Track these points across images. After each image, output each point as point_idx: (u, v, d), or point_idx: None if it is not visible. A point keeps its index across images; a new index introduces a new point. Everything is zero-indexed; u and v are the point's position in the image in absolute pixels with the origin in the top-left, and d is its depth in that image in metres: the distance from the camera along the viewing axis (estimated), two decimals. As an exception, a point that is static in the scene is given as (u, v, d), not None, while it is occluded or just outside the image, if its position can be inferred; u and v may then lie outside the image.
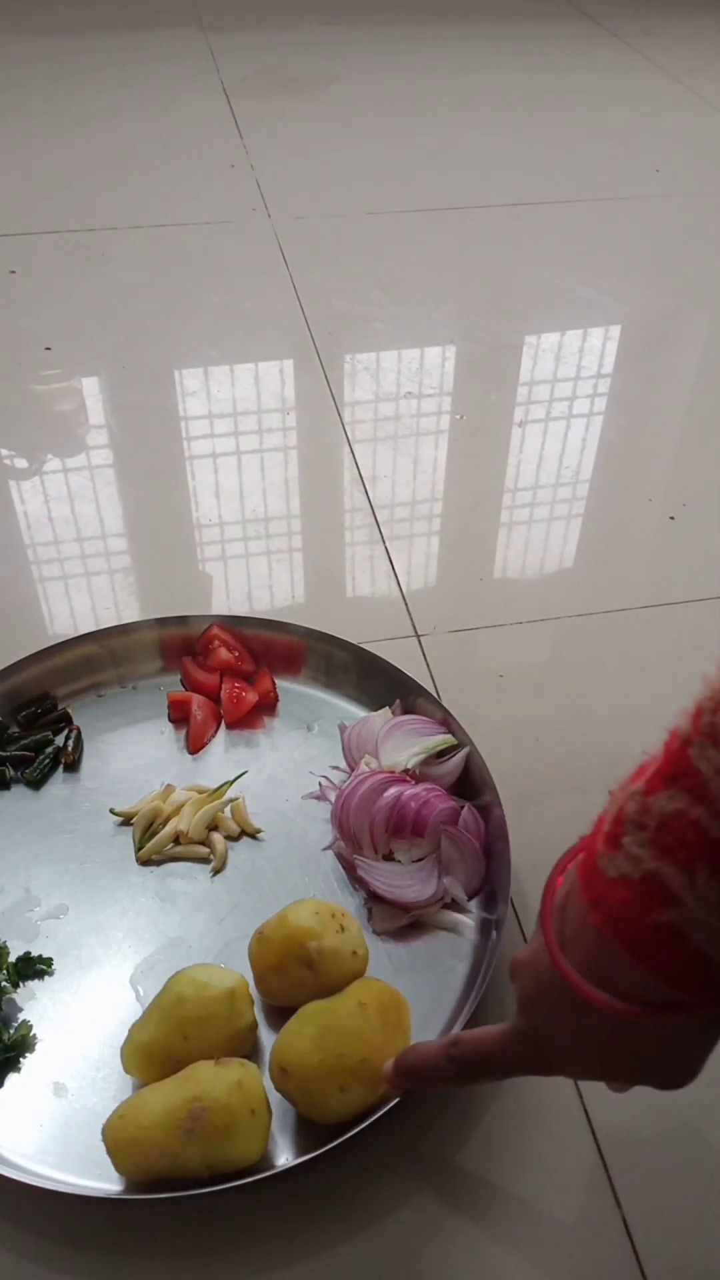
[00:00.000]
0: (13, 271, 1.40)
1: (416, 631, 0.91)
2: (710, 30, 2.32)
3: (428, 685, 0.84)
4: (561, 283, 1.42)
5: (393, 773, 0.73)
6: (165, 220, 1.53)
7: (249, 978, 0.62)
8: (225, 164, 1.68)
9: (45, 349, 1.25)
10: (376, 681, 0.81)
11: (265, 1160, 0.57)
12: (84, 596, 0.95)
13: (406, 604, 0.93)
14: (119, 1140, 0.55)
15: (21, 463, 1.11)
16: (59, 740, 0.79)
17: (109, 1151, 0.56)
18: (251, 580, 0.97)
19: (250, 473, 1.09)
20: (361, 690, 0.82)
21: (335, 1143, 0.55)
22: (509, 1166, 0.58)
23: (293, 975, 0.61)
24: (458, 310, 1.37)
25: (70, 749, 0.78)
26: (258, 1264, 0.55)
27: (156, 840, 0.72)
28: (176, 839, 0.72)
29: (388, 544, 1.00)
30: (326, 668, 0.83)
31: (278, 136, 1.78)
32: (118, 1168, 0.56)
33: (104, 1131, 0.56)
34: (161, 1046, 0.59)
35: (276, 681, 0.83)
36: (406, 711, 0.78)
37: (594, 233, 1.55)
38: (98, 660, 0.83)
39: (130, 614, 0.92)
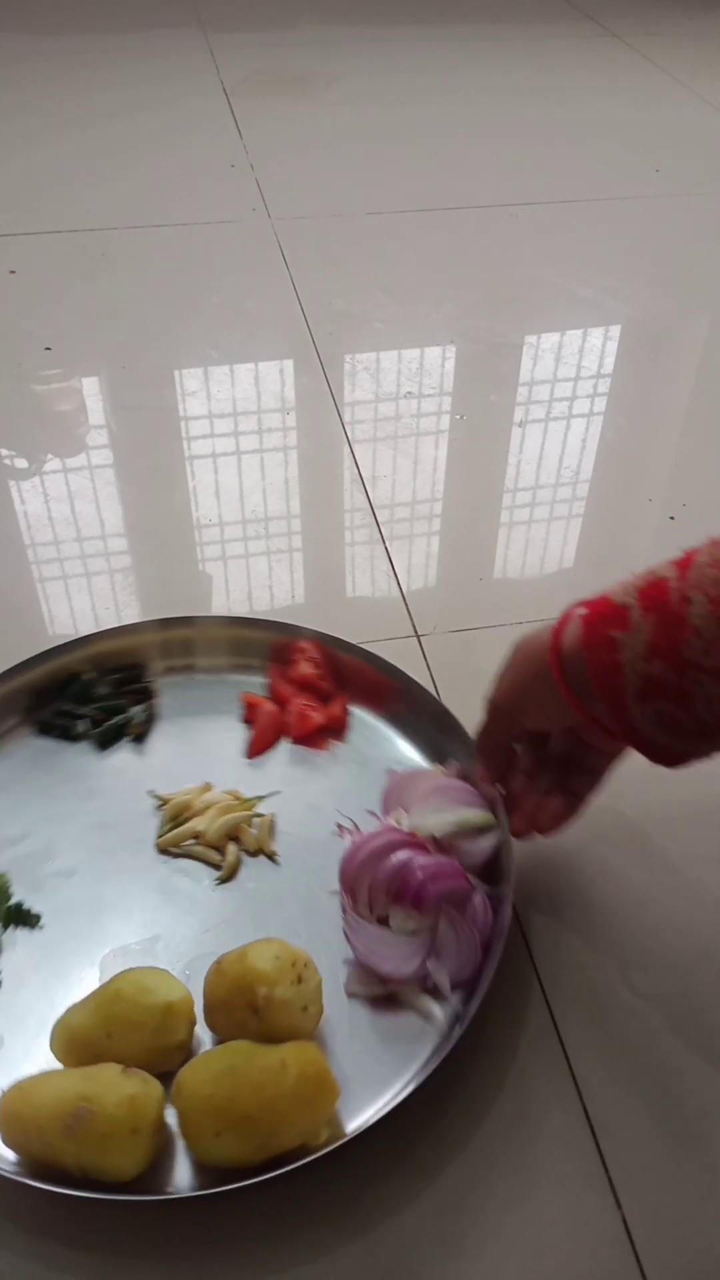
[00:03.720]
0: (13, 271, 1.40)
1: (416, 631, 0.91)
2: (711, 31, 2.32)
3: (428, 686, 0.84)
4: (561, 283, 1.42)
5: (413, 835, 0.68)
6: (165, 220, 1.53)
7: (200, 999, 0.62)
8: (225, 164, 1.68)
9: (45, 349, 1.25)
10: (449, 737, 0.76)
11: (158, 1178, 0.56)
12: (84, 596, 0.95)
13: (406, 604, 0.93)
14: (7, 1112, 0.56)
15: (21, 463, 1.11)
16: (134, 710, 0.80)
17: None
18: (251, 580, 0.97)
19: (250, 473, 1.09)
20: (430, 744, 0.78)
21: (331, 1147, 0.55)
22: (509, 1166, 0.58)
23: (237, 1015, 0.59)
24: (458, 310, 1.37)
25: (140, 722, 0.79)
26: (257, 1267, 0.55)
27: (175, 834, 0.72)
28: (196, 837, 0.72)
29: (388, 544, 1.00)
30: (406, 711, 0.79)
31: (278, 136, 1.78)
32: (3, 1138, 0.56)
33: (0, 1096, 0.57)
34: (85, 1035, 0.59)
35: (353, 710, 0.80)
36: (460, 777, 0.73)
37: (594, 233, 1.55)
38: (197, 645, 0.83)
39: (130, 614, 0.92)
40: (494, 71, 2.09)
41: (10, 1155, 0.56)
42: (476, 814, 0.69)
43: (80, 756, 0.78)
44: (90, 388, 1.22)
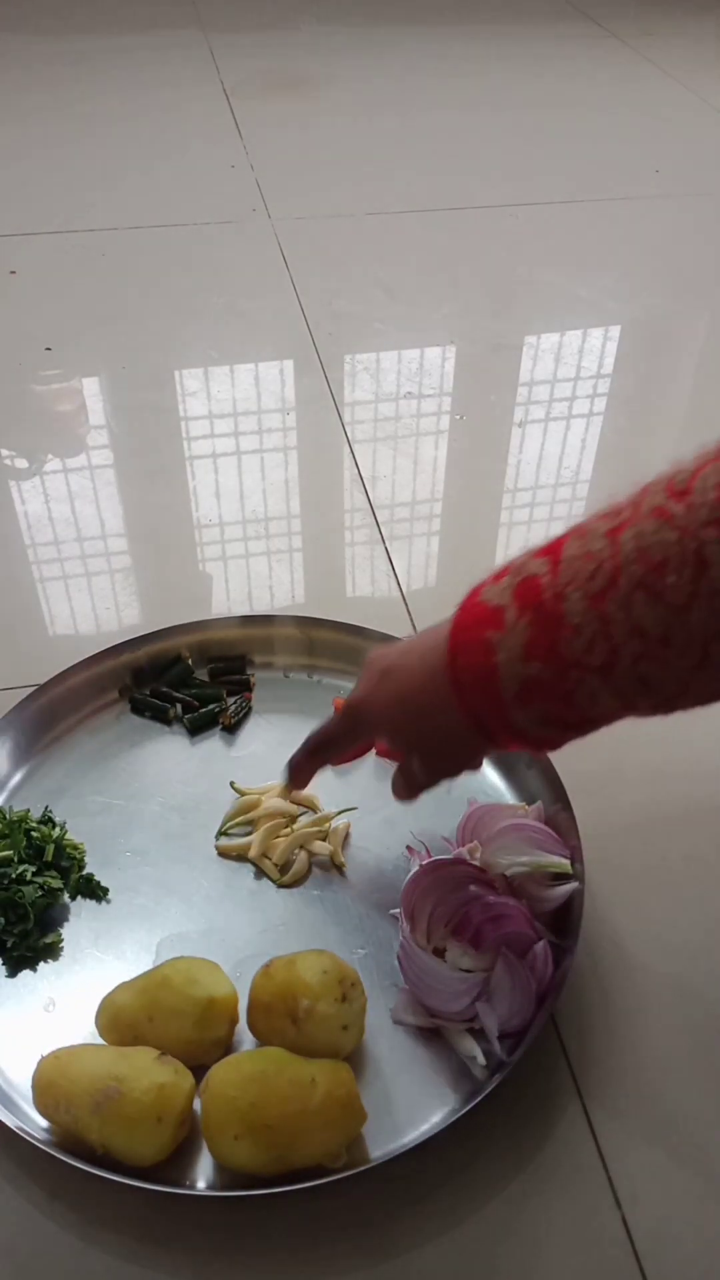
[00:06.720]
0: (13, 271, 1.40)
1: (416, 631, 0.91)
2: (710, 31, 2.32)
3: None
4: (561, 283, 1.42)
5: (483, 871, 0.66)
6: (165, 220, 1.53)
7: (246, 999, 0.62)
8: (225, 164, 1.68)
9: (45, 349, 1.25)
10: (544, 780, 0.73)
11: (178, 1169, 0.56)
12: (84, 596, 0.95)
13: (406, 604, 0.93)
14: (42, 1079, 0.57)
15: (22, 463, 1.11)
16: (229, 701, 0.81)
17: (32, 1083, 0.57)
18: (251, 580, 0.97)
19: (250, 473, 1.09)
20: (520, 782, 0.76)
21: (349, 1172, 0.55)
22: (509, 1166, 0.58)
23: (277, 1022, 0.59)
24: (458, 310, 1.37)
25: (232, 713, 0.80)
26: (263, 1272, 0.55)
27: (231, 844, 0.72)
28: (265, 853, 0.72)
29: (388, 544, 1.00)
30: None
31: (278, 137, 1.78)
32: (34, 1102, 0.57)
33: (38, 1062, 0.57)
34: (128, 1015, 0.59)
35: None
36: (544, 820, 0.71)
37: (594, 233, 1.55)
38: (296, 644, 0.84)
39: (131, 614, 0.92)
40: (493, 72, 2.09)
41: (42, 1122, 0.57)
42: (553, 860, 0.67)
43: (172, 741, 0.79)
44: (90, 388, 1.22)
